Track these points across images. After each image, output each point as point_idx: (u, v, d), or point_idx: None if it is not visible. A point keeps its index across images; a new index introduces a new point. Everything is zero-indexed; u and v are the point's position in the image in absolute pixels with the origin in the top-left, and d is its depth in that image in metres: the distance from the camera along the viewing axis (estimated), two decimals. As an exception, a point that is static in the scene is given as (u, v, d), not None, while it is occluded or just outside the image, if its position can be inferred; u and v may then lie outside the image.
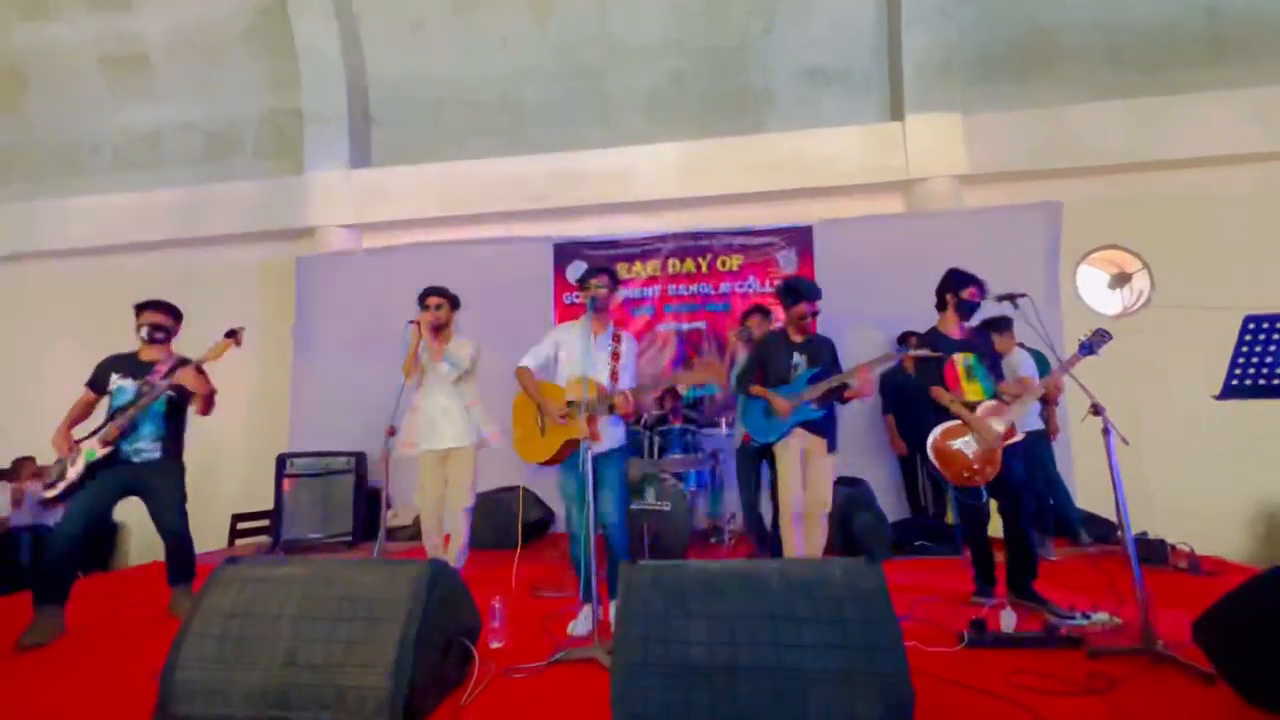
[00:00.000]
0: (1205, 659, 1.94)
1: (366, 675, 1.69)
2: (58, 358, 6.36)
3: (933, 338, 3.10)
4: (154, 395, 2.94)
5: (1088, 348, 2.73)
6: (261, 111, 6.62)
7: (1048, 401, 2.87)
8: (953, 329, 3.08)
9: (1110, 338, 2.75)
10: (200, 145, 6.71)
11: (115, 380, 3.04)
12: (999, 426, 2.85)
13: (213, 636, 1.83)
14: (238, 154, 6.65)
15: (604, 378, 2.76)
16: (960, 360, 3.01)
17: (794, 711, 1.50)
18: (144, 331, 3.12)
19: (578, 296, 5.50)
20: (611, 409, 2.70)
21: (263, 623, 1.82)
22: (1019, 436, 2.90)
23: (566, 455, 2.74)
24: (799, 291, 3.29)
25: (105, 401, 3.07)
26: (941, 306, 3.13)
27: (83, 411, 3.08)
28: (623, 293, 5.62)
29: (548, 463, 2.76)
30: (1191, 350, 4.62)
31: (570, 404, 2.68)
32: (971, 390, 2.97)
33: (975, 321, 3.23)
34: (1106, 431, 2.37)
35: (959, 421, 2.92)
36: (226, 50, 6.49)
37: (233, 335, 3.05)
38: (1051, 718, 1.74)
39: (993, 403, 2.92)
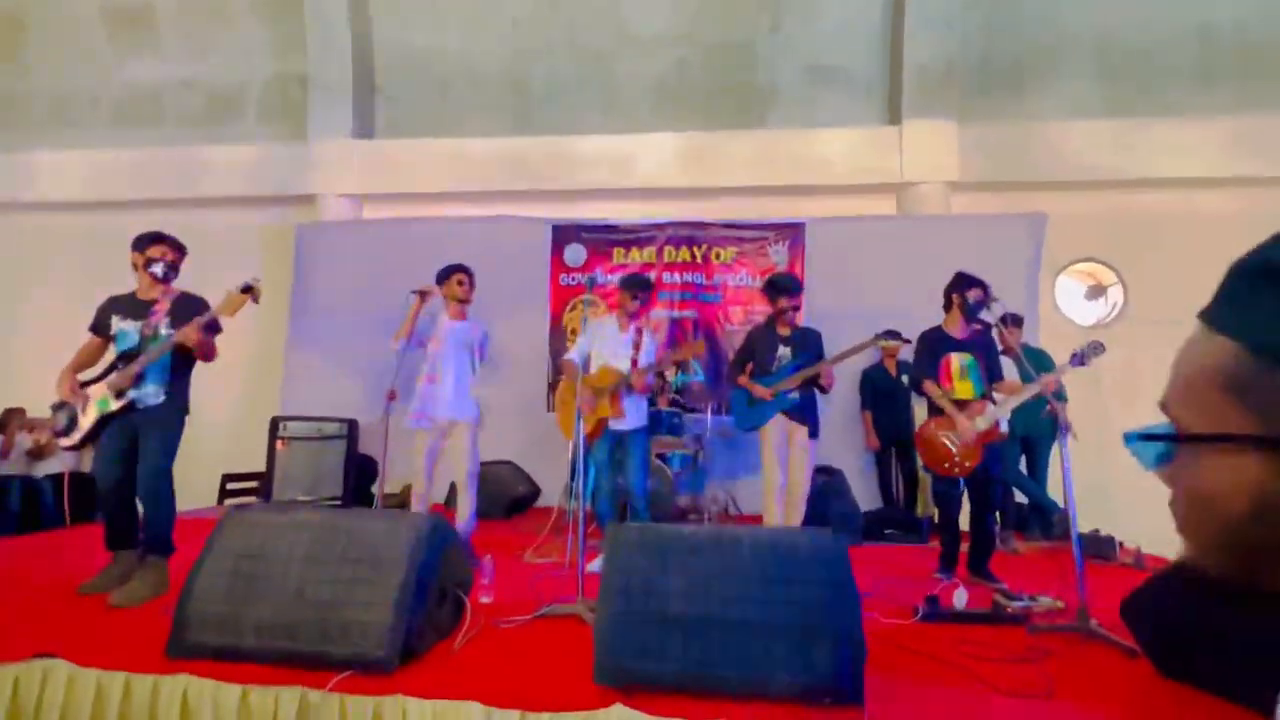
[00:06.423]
0: (1130, 637, 2.15)
1: (369, 612, 1.84)
2: (45, 309, 6.37)
3: (937, 335, 3.26)
4: (162, 349, 2.74)
5: (1079, 358, 2.81)
6: (266, 75, 6.59)
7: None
8: (956, 329, 3.24)
9: (1103, 350, 2.84)
10: (202, 105, 6.68)
11: (116, 323, 2.84)
12: (982, 425, 3.03)
13: (225, 573, 1.97)
14: (240, 117, 6.63)
15: (625, 365, 3.32)
16: (956, 359, 3.19)
17: (759, 658, 1.67)
18: (158, 269, 2.85)
19: (576, 279, 5.70)
20: (630, 388, 3.28)
21: (273, 563, 1.96)
22: (1003, 434, 3.07)
23: (601, 431, 3.37)
24: (780, 287, 3.53)
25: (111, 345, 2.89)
26: (948, 306, 3.28)
27: (90, 356, 2.92)
28: (614, 278, 5.76)
29: (587, 438, 3.24)
30: (1160, 363, 4.82)
31: (595, 391, 3.26)
32: (963, 389, 3.15)
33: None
34: (1063, 431, 2.57)
35: (948, 415, 3.11)
36: (233, 11, 6.45)
37: (249, 290, 2.81)
38: (989, 680, 1.94)
39: (980, 402, 3.10)
